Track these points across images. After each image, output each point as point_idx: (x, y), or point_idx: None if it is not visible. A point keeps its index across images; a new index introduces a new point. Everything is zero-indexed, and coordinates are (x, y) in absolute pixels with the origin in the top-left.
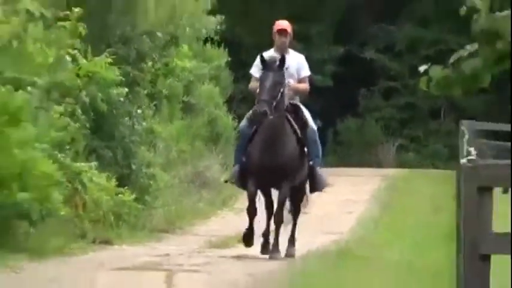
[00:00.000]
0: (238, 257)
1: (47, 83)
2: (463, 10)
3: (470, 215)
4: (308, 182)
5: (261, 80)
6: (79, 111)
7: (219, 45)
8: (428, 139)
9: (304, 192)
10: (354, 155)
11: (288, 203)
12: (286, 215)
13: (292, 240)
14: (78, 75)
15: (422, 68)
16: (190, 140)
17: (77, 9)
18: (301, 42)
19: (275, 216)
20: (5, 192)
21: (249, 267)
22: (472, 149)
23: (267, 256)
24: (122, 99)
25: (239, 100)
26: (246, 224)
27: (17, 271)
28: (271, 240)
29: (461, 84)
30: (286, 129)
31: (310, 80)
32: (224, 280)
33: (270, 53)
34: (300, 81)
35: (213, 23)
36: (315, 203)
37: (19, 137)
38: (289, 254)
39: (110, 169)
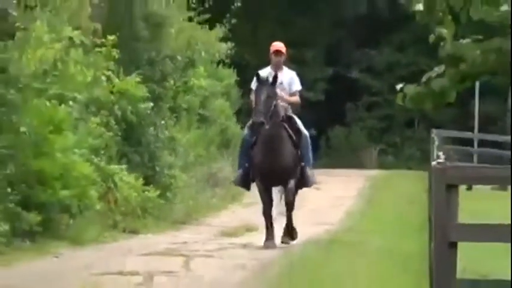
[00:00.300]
0: (246, 245)
1: (86, 99)
2: (432, 37)
3: (440, 208)
4: (298, 180)
5: (256, 94)
6: (112, 122)
7: (229, 67)
8: (404, 145)
9: (297, 189)
10: (342, 158)
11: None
12: (282, 209)
13: (288, 231)
14: (111, 92)
15: (398, 86)
16: (205, 146)
17: (111, 37)
18: (297, 64)
19: (287, 200)
20: (49, 191)
21: (255, 252)
22: (441, 153)
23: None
24: (148, 112)
25: (246, 112)
26: (263, 227)
27: (57, 256)
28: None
29: (431, 99)
30: (284, 136)
31: (301, 93)
32: (234, 264)
33: (267, 70)
34: (291, 94)
35: (224, 49)
36: (309, 199)
37: (61, 144)
38: (285, 242)
39: (137, 170)
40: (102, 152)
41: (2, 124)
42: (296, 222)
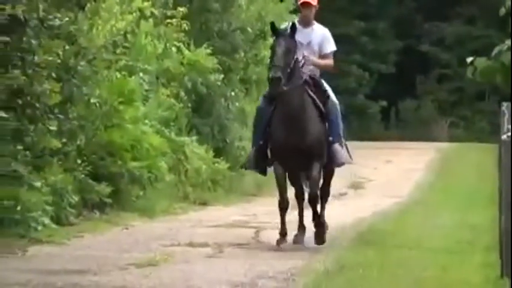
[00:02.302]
0: None
1: (156, 70)
2: (502, 11)
3: (510, 181)
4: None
5: (273, 47)
6: (182, 93)
7: None
8: (475, 117)
9: (331, 172)
10: (412, 131)
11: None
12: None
13: (320, 228)
14: (182, 64)
15: (469, 59)
16: None
17: (182, 9)
18: (368, 36)
19: (309, 194)
20: (119, 162)
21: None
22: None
23: (337, 215)
24: (218, 83)
25: None
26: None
27: (128, 228)
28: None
29: (501, 73)
30: (308, 104)
31: (335, 56)
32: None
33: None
34: (323, 57)
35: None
36: (380, 171)
37: (132, 115)
38: (320, 241)
39: (207, 142)
40: (172, 123)
41: (72, 96)
42: (367, 194)
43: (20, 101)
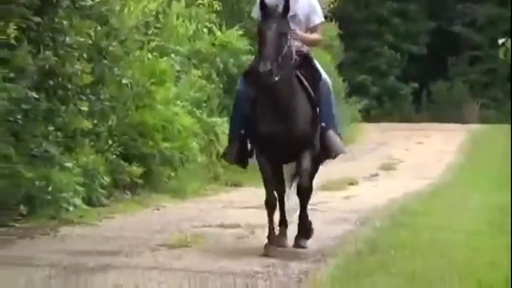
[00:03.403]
0: (347, 197)
1: (188, 51)
2: None
3: None
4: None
5: (261, 30)
6: (214, 74)
7: (331, 20)
8: (506, 99)
9: (318, 165)
10: (444, 112)
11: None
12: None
13: (303, 228)
14: (213, 45)
15: (501, 41)
16: None
17: None
18: (400, 17)
19: (299, 185)
20: (151, 143)
21: (356, 205)
22: None
23: (369, 196)
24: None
25: (349, 65)
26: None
27: (159, 209)
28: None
29: None
30: (297, 89)
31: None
32: (335, 217)
33: None
34: (310, 30)
35: (327, 2)
36: (411, 152)
37: (163, 96)
38: (299, 245)
39: None
40: (204, 104)
41: (104, 76)
42: (398, 176)
43: (51, 82)
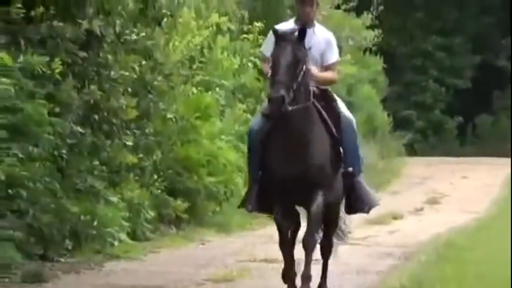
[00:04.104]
0: (391, 232)
1: (233, 85)
2: None
3: None
4: (344, 198)
5: (275, 56)
6: (259, 108)
7: (376, 54)
8: None
9: (337, 213)
10: (488, 146)
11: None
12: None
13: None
14: (258, 79)
15: None
16: None
17: (258, 24)
18: (445, 51)
19: (304, 237)
20: (196, 177)
21: (400, 239)
22: None
23: (414, 230)
24: None
25: (393, 100)
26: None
27: (204, 243)
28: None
29: None
30: (316, 124)
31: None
32: (380, 252)
33: (288, 26)
34: (325, 68)
35: (371, 36)
36: (456, 187)
37: (208, 130)
38: None
39: None
40: None
41: (149, 111)
42: (443, 210)
43: (96, 116)
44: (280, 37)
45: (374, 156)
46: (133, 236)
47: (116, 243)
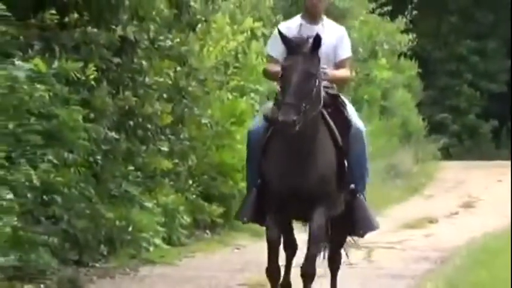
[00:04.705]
0: (427, 236)
1: (267, 90)
2: None
3: None
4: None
5: (285, 71)
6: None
7: (410, 58)
8: None
9: (347, 230)
10: None
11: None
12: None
13: None
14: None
15: None
16: (386, 138)
17: None
18: (479, 55)
19: (304, 264)
20: (231, 183)
21: (436, 243)
22: None
23: (449, 234)
24: None
25: (428, 104)
26: None
27: (239, 248)
28: None
29: None
30: (322, 134)
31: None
32: (415, 256)
33: (295, 22)
34: (338, 66)
35: (406, 40)
36: (491, 191)
37: (243, 136)
38: None
39: None
40: None
41: (183, 116)
42: (478, 214)
43: (131, 122)
44: (291, 47)
45: (409, 161)
46: (168, 241)
47: (151, 248)
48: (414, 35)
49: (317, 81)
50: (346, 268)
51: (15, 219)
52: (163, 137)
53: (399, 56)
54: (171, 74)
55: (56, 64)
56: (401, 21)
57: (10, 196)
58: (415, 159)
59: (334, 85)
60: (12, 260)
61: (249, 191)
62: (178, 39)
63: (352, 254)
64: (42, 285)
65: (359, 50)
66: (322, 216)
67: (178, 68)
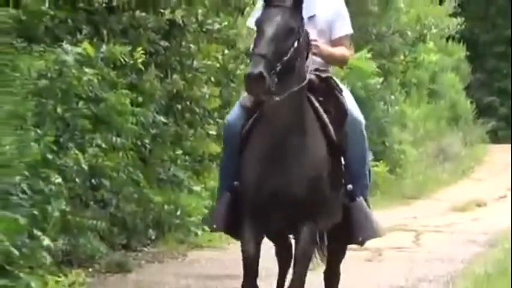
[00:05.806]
0: (476, 219)
1: None
2: None
3: None
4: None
5: (260, 22)
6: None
7: (459, 42)
8: None
9: (345, 242)
10: None
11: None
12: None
13: None
14: (341, 67)
15: None
16: (435, 121)
17: None
18: None
19: (291, 286)
20: None
21: (484, 227)
22: None
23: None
24: (378, 86)
25: (477, 87)
26: None
27: None
28: None
29: None
30: (308, 121)
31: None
32: (464, 239)
33: None
34: (334, 42)
35: (454, 23)
36: None
37: None
38: None
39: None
40: None
41: (231, 100)
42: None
43: (179, 106)
44: (270, 2)
45: (457, 144)
46: None
47: (199, 232)
48: (462, 19)
49: (299, 41)
50: (394, 251)
51: (64, 203)
52: (211, 121)
53: (447, 39)
54: (219, 57)
55: (104, 48)
56: (449, 5)
57: (59, 180)
58: (463, 142)
59: (329, 67)
60: (61, 244)
61: (220, 194)
62: (226, 23)
63: (400, 237)
64: (90, 270)
65: (407, 33)
66: (311, 227)
67: (226, 51)
